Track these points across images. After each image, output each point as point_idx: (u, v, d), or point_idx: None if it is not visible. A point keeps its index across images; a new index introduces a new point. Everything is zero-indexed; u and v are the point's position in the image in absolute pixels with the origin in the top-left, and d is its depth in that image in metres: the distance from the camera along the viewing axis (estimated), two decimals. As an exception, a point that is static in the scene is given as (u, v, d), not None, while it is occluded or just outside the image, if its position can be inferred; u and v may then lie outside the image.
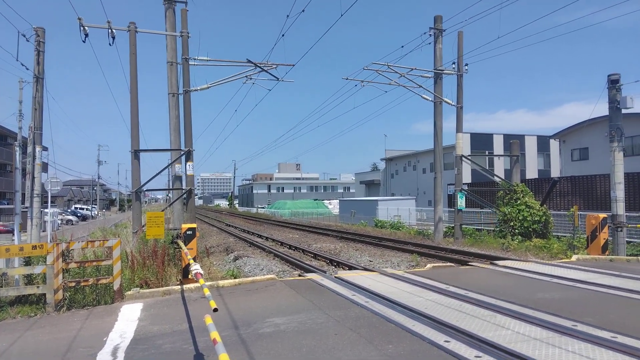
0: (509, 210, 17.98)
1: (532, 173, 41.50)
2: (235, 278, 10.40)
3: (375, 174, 65.00)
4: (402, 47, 19.13)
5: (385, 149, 59.22)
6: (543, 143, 42.99)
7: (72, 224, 44.50)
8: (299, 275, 11.16)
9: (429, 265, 12.19)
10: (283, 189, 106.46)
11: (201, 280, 6.20)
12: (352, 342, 5.67)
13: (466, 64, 19.23)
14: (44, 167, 27.10)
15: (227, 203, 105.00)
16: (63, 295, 7.94)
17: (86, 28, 13.41)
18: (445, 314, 6.88)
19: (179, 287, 9.17)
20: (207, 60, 15.21)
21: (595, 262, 12.23)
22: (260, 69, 16.07)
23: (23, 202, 12.46)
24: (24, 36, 12.48)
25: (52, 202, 17.48)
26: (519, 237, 17.05)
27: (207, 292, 5.19)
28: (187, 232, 9.95)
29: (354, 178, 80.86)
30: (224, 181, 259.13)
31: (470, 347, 5.32)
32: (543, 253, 14.34)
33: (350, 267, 12.74)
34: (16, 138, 13.25)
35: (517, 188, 18.59)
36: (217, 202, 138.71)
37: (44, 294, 7.86)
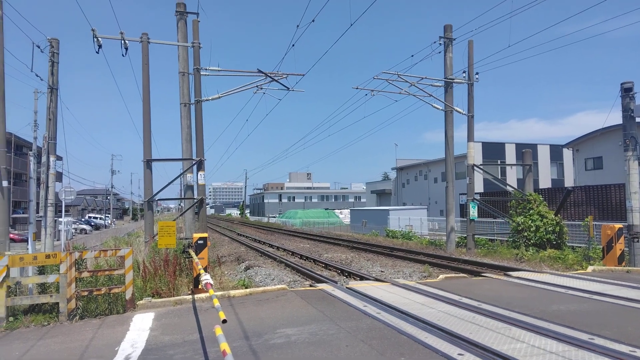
0: (523, 220, 17.76)
1: (545, 182, 41.05)
2: (246, 288, 10.37)
3: (387, 183, 64.80)
4: (412, 56, 19.21)
5: (396, 158, 59.22)
6: (556, 152, 42.56)
7: (86, 233, 44.91)
8: (310, 286, 11.10)
9: (441, 276, 12.06)
10: (294, 198, 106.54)
11: (211, 291, 6.19)
12: (364, 353, 5.61)
13: (477, 73, 19.17)
14: (58, 177, 27.42)
15: (239, 212, 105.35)
16: (76, 304, 7.98)
17: (100, 39, 13.63)
18: (459, 326, 6.78)
19: (191, 296, 9.17)
20: (218, 70, 15.35)
21: (611, 274, 12.00)
22: (271, 79, 16.17)
23: (37, 211, 12.59)
24: (39, 47, 12.71)
25: (66, 211, 17.65)
26: (533, 247, 16.81)
27: (216, 302, 5.18)
28: (199, 242, 9.97)
29: (364, 187, 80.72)
30: (236, 191, 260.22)
31: (485, 360, 5.23)
32: (558, 264, 14.12)
33: (362, 278, 12.65)
34: (31, 148, 13.44)
35: (530, 197, 18.38)
36: (228, 211, 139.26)
37: (57, 303, 7.91)
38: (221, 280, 11.38)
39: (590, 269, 12.74)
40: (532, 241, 17.15)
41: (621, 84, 13.37)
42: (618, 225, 13.16)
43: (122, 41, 13.82)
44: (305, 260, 18.49)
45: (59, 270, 7.93)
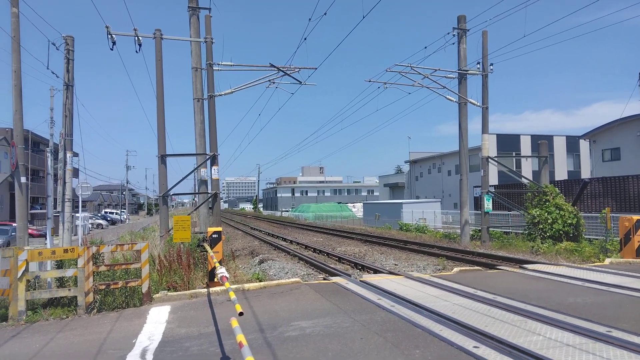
0: (539, 212, 17.55)
1: (561, 174, 40.50)
2: (260, 281, 10.44)
3: (400, 176, 64.51)
4: (425, 48, 18.97)
5: (409, 151, 58.82)
6: (572, 143, 41.94)
7: (102, 228, 45.55)
8: (324, 279, 11.13)
9: (455, 269, 12.00)
10: (307, 192, 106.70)
11: (227, 284, 6.24)
12: (378, 346, 5.61)
13: (491, 64, 18.93)
14: (75, 173, 27.82)
15: (252, 207, 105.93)
16: (94, 297, 8.11)
17: (113, 36, 13.73)
18: (474, 318, 6.75)
19: (206, 290, 9.26)
20: (231, 65, 15.38)
21: (629, 266, 11.83)
22: (283, 73, 16.15)
23: (55, 207, 12.80)
24: (54, 45, 12.85)
25: (82, 206, 17.91)
26: (549, 240, 16.62)
27: (232, 295, 5.22)
28: (213, 236, 10.05)
29: (377, 181, 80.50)
30: (249, 185, 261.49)
31: (501, 354, 5.20)
32: (574, 256, 13.94)
33: (375, 271, 12.64)
34: (48, 144, 13.65)
35: (546, 190, 18.15)
36: (241, 205, 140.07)
37: (75, 297, 8.04)
38: (235, 274, 11.47)
39: (607, 261, 12.56)
40: (548, 234, 16.95)
41: (639, 73, 13.09)
42: (636, 217, 12.94)
43: (136, 37, 13.91)
44: (318, 253, 18.53)
45: (76, 265, 8.06)
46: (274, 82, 16.65)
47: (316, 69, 16.72)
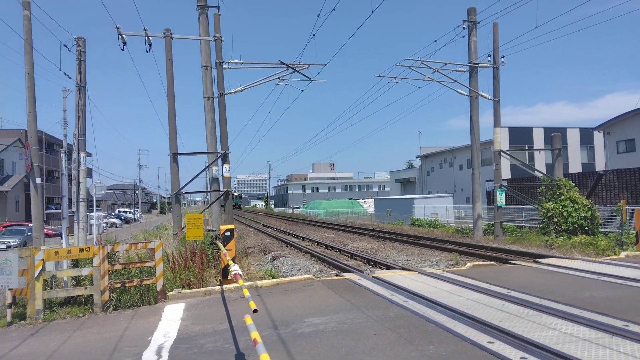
0: (553, 206, 17.36)
1: (575, 167, 39.98)
2: (273, 278, 10.48)
3: (411, 171, 64.19)
4: (435, 41, 18.82)
5: (420, 146, 58.50)
6: (586, 135, 41.34)
7: (116, 227, 46.02)
8: (336, 275, 11.14)
9: (468, 264, 11.93)
10: (318, 188, 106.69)
11: (240, 281, 6.27)
12: (392, 342, 5.61)
13: (502, 56, 18.71)
14: (89, 173, 28.12)
15: (263, 204, 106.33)
16: (109, 296, 8.21)
17: (124, 36, 13.82)
18: (488, 314, 6.71)
19: (219, 287, 9.33)
20: (240, 63, 15.41)
21: (646, 259, 11.66)
22: (293, 70, 16.14)
23: (70, 207, 12.96)
24: (66, 46, 12.96)
25: (97, 206, 18.11)
26: (564, 233, 16.43)
27: (246, 292, 5.25)
28: (226, 233, 10.11)
29: (388, 176, 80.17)
30: (260, 182, 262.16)
31: (516, 349, 5.17)
32: (589, 250, 13.78)
33: (388, 267, 12.61)
34: (61, 145, 13.80)
35: (560, 183, 17.94)
36: (253, 203, 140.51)
37: (92, 295, 8.15)
38: (248, 271, 11.53)
39: (623, 254, 12.40)
40: (562, 227, 16.76)
41: (655, 63, 12.86)
42: (653, 209, 12.74)
43: (146, 37, 13.99)
44: (330, 250, 18.55)
45: (92, 264, 8.17)
46: (283, 79, 16.64)
47: (325, 65, 16.68)
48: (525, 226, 20.55)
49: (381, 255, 15.83)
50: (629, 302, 7.23)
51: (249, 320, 4.28)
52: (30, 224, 20.78)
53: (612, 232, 16.43)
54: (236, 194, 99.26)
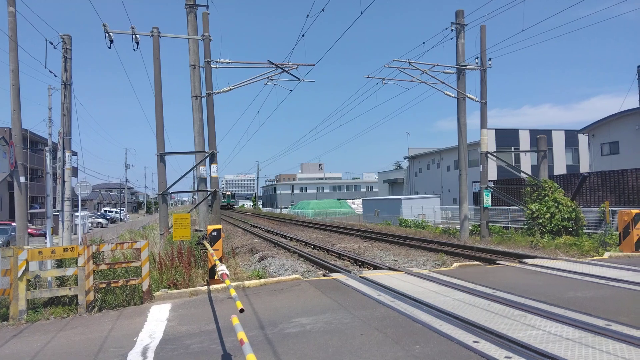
0: (538, 207, 17.58)
1: (560, 169, 40.52)
2: (260, 278, 10.46)
3: (399, 172, 64.50)
4: (424, 43, 19.01)
5: (408, 147, 58.78)
6: (571, 138, 41.92)
7: (102, 227, 45.53)
8: (324, 275, 11.15)
9: (455, 264, 12.02)
10: (306, 189, 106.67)
11: (227, 281, 6.25)
12: (379, 342, 5.63)
13: (489, 59, 18.89)
14: (74, 172, 27.81)
15: (251, 204, 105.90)
16: (94, 296, 8.12)
17: (111, 34, 13.69)
18: (474, 313, 6.77)
19: (206, 287, 9.28)
20: (229, 62, 15.35)
21: (628, 260, 11.86)
22: (282, 70, 16.13)
23: (54, 206, 12.79)
24: (52, 43, 12.80)
25: (82, 205, 17.91)
26: (549, 234, 16.65)
27: (233, 292, 5.23)
28: (213, 233, 10.06)
29: (376, 177, 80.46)
30: (248, 182, 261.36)
31: (500, 348, 5.22)
32: (573, 251, 13.98)
33: (375, 267, 12.66)
34: (46, 144, 13.61)
35: (545, 184, 18.17)
36: (241, 203, 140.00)
37: (76, 295, 8.06)
38: (236, 271, 11.49)
39: (606, 255, 12.60)
40: (547, 228, 16.98)
41: (638, 67, 13.13)
42: (635, 211, 12.97)
43: (133, 36, 13.88)
44: (318, 250, 18.56)
45: (77, 264, 8.07)
46: (272, 79, 16.62)
47: (314, 65, 16.70)
48: (511, 227, 20.77)
49: (369, 255, 15.88)
50: (612, 302, 7.35)
51: (235, 320, 4.27)
52: (13, 224, 20.46)
53: (596, 233, 16.68)
54: (228, 193, 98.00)
